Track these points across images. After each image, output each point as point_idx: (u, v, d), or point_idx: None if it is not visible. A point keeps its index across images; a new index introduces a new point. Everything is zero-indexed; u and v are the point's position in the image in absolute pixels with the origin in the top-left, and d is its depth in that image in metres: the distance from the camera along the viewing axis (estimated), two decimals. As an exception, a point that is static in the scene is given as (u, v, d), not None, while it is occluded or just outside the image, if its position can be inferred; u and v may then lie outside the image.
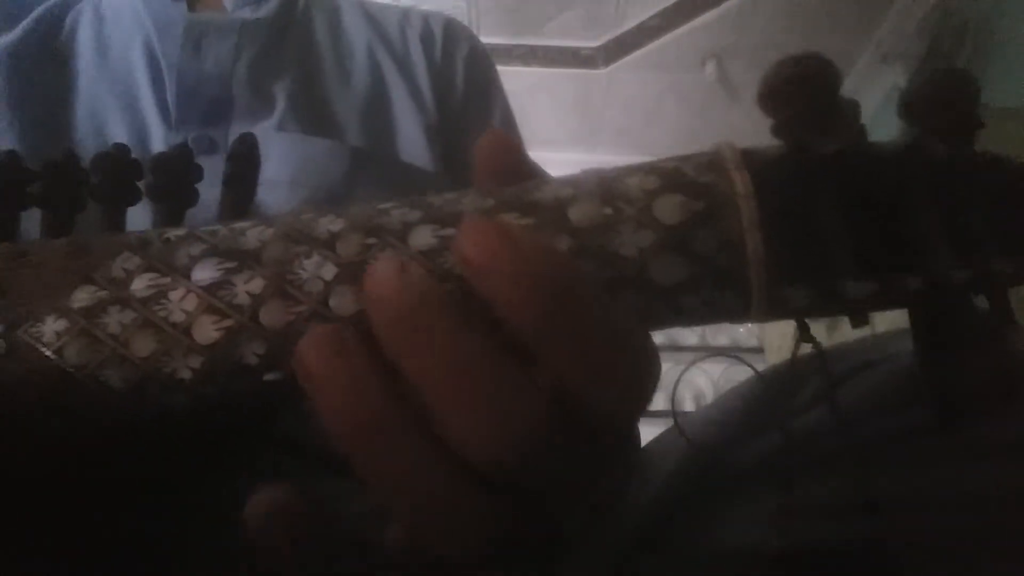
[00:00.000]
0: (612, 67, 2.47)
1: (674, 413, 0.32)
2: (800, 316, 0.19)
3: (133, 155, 0.23)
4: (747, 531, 0.27)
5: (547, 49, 2.43)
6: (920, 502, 0.23)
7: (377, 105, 0.56)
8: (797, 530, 0.25)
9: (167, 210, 0.23)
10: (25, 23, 0.52)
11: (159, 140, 0.48)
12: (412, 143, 0.55)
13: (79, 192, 0.23)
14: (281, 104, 0.52)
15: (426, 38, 0.61)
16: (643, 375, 0.17)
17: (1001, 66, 1.84)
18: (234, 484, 0.29)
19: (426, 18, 0.64)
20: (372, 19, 0.62)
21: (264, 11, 0.57)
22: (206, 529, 0.27)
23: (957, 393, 0.18)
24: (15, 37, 0.51)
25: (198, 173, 0.24)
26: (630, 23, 2.35)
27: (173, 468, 0.24)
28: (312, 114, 0.53)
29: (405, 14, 0.64)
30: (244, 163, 0.24)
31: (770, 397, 0.30)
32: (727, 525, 0.28)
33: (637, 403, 0.18)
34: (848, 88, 2.48)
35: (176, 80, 0.50)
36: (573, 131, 2.68)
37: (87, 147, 0.48)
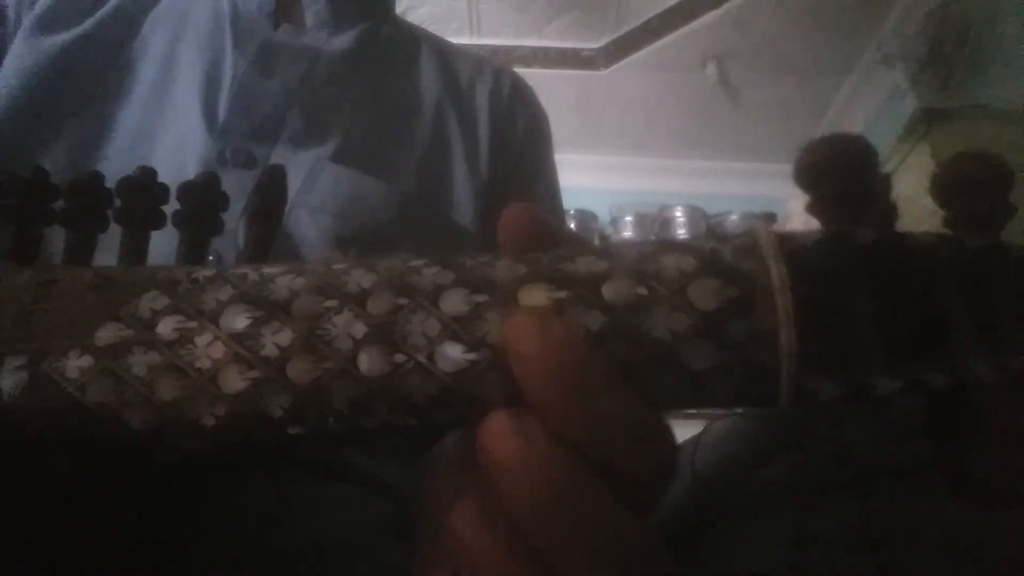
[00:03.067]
0: (613, 68, 2.47)
1: (691, 450, 0.32)
2: (827, 407, 0.19)
3: (160, 179, 0.23)
4: (757, 560, 0.27)
5: (548, 50, 2.43)
6: (925, 536, 0.24)
7: (437, 159, 0.56)
8: (808, 560, 0.25)
9: (192, 238, 0.23)
10: (95, 20, 0.51)
11: (198, 147, 0.47)
12: (461, 203, 0.55)
13: (103, 214, 0.23)
14: (339, 136, 0.52)
15: (494, 95, 0.62)
16: (663, 460, 0.18)
17: (1001, 67, 1.84)
18: (236, 488, 0.29)
19: (497, 74, 0.64)
20: (447, 65, 0.62)
21: (341, 42, 0.56)
22: (208, 531, 0.28)
23: (978, 489, 0.18)
24: (83, 31, 0.50)
25: (224, 202, 0.24)
26: (630, 24, 2.35)
27: (176, 471, 0.24)
28: (369, 152, 0.53)
29: (479, 65, 0.64)
30: (271, 196, 0.24)
31: (780, 424, 0.29)
32: (736, 554, 0.28)
33: (661, 480, 0.18)
34: (848, 89, 2.48)
35: (236, 90, 0.49)
36: (574, 132, 2.68)
37: (131, 153, 0.47)
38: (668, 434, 0.18)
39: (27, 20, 0.50)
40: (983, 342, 0.18)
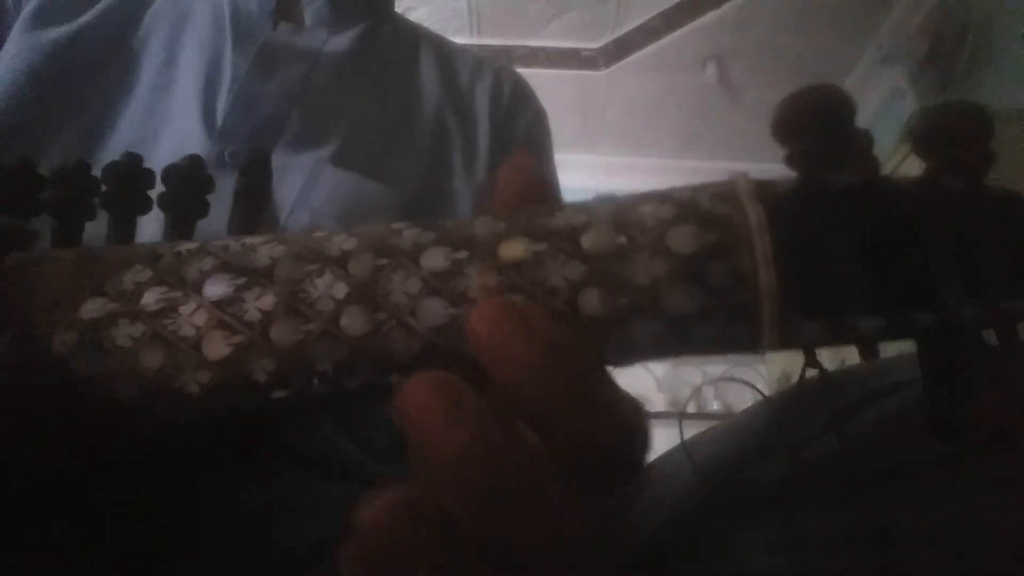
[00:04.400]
0: (612, 68, 2.47)
1: (684, 446, 0.32)
2: (810, 348, 0.19)
3: (145, 165, 0.23)
4: (757, 557, 0.27)
5: (548, 50, 2.43)
6: (928, 534, 0.23)
7: (438, 162, 0.56)
8: (807, 558, 0.25)
9: (177, 221, 0.23)
10: (92, 14, 0.51)
11: (197, 148, 0.47)
12: (461, 206, 0.55)
13: (90, 200, 0.23)
14: (339, 138, 0.51)
15: (494, 95, 0.61)
16: (641, 443, 0.18)
17: (1001, 67, 1.84)
18: (237, 489, 0.29)
19: (497, 73, 0.63)
20: (446, 66, 0.62)
21: (341, 43, 0.55)
22: (209, 531, 0.28)
23: (963, 428, 0.18)
24: (79, 26, 0.50)
25: (209, 185, 0.24)
26: (630, 24, 2.36)
27: (176, 472, 0.24)
28: (370, 155, 0.52)
29: (478, 65, 0.63)
30: (255, 178, 0.24)
31: (779, 422, 0.29)
32: (736, 550, 0.28)
33: (635, 466, 0.18)
34: (848, 89, 2.48)
35: (236, 93, 0.49)
36: (574, 132, 2.68)
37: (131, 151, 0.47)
38: (641, 414, 0.18)
39: (23, 13, 0.49)
40: (964, 281, 0.18)
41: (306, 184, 0.48)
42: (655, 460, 0.38)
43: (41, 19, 0.49)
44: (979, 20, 1.93)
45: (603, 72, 2.48)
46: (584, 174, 2.71)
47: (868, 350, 0.19)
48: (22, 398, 0.18)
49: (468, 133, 0.58)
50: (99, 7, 0.51)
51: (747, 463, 0.29)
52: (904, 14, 2.21)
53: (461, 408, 0.16)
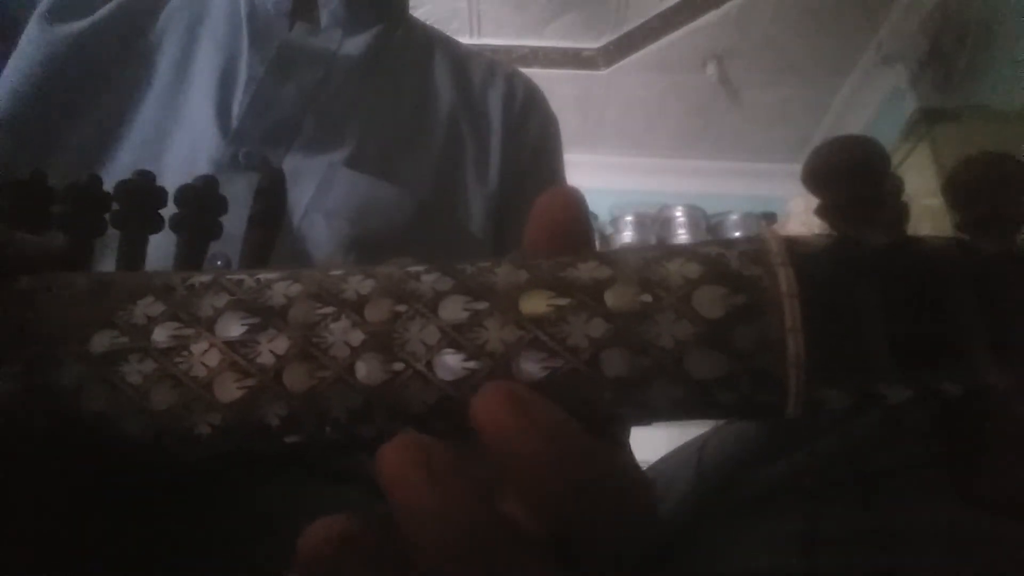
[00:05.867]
0: (613, 68, 2.47)
1: (698, 466, 0.32)
2: (835, 415, 0.19)
3: (172, 180, 0.23)
4: (765, 555, 0.27)
5: (548, 50, 2.43)
6: (933, 536, 0.23)
7: (451, 165, 0.56)
8: (813, 559, 0.25)
9: (189, 241, 0.23)
10: (108, 9, 0.51)
11: (210, 149, 0.47)
12: (473, 210, 0.55)
13: (100, 217, 0.23)
14: (353, 140, 0.51)
15: (507, 100, 0.61)
16: (644, 522, 0.17)
17: (1001, 67, 1.84)
18: (245, 492, 0.29)
19: (510, 78, 0.63)
20: (459, 70, 0.62)
21: (356, 46, 0.56)
22: (216, 535, 0.28)
23: (992, 501, 0.18)
24: (95, 21, 0.50)
25: (223, 206, 0.24)
26: (631, 24, 2.35)
27: (181, 472, 0.24)
28: (384, 158, 0.52)
29: (490, 69, 0.63)
30: (270, 199, 0.24)
31: (783, 422, 0.29)
32: (744, 548, 0.28)
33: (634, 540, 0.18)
34: (848, 89, 2.48)
35: (253, 94, 0.49)
36: (574, 132, 2.68)
37: (144, 152, 0.47)
38: (646, 494, 0.18)
39: (39, 8, 0.49)
40: (998, 350, 0.17)
41: (320, 186, 0.48)
42: (661, 458, 0.38)
43: (57, 13, 0.49)
44: (979, 20, 1.93)
45: (603, 72, 2.48)
46: (584, 174, 2.70)
47: (893, 417, 0.19)
48: (28, 431, 0.18)
49: (481, 136, 0.58)
50: (115, 2, 0.51)
51: (753, 463, 0.29)
52: (904, 14, 2.20)
53: (435, 475, 0.16)
